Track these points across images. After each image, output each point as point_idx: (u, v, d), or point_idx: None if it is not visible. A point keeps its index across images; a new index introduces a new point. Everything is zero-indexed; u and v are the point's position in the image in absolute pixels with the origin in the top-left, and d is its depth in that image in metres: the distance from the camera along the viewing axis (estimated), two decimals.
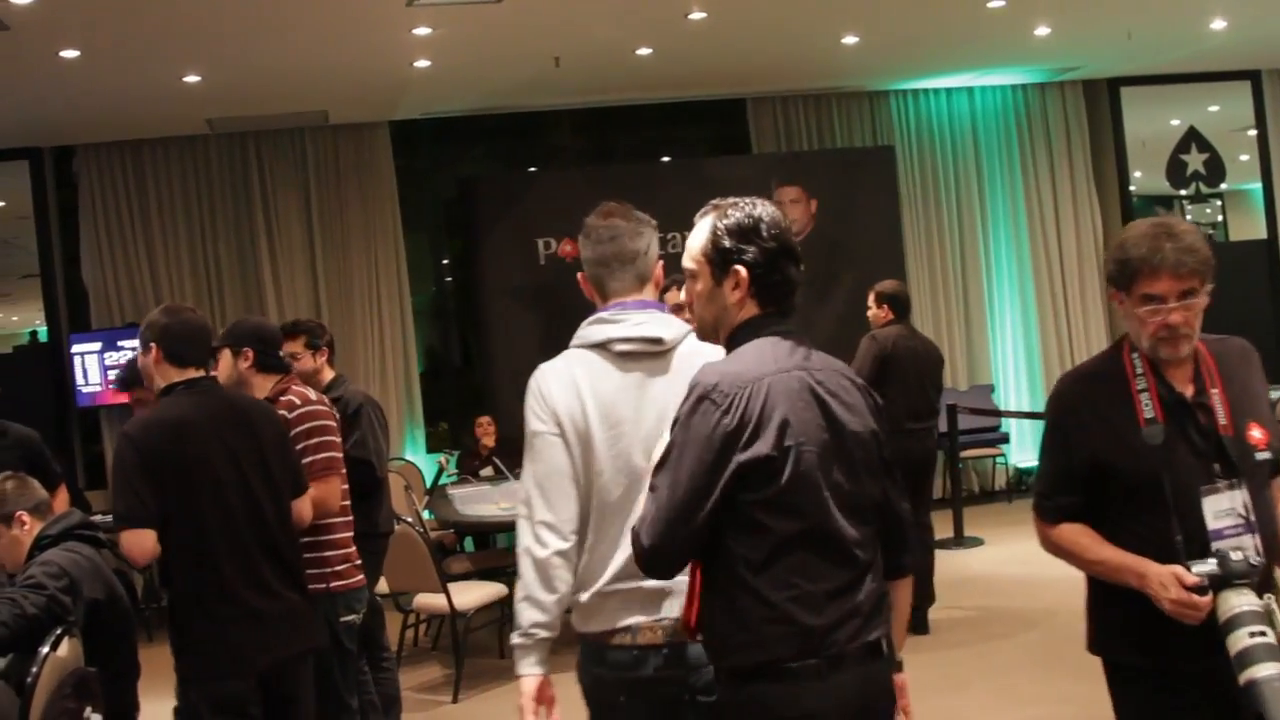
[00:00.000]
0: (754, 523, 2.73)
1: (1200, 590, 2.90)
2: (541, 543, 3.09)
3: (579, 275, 3.40)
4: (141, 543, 4.03)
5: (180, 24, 8.04)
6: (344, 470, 5.15)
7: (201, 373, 4.36)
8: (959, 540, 10.28)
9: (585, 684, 3.20)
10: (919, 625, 7.74)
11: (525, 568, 3.11)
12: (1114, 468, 3.14)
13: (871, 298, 8.09)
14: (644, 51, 9.91)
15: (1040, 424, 12.31)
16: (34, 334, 12.72)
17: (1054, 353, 12.79)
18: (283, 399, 4.99)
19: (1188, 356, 3.14)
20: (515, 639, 3.11)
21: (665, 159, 13.01)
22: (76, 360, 10.74)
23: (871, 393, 2.98)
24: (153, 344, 4.28)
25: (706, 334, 2.98)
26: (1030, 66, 12.08)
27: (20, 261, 11.59)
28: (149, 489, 4.04)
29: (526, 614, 3.09)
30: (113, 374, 10.29)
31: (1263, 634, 2.79)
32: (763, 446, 2.70)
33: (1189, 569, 2.93)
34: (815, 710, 2.71)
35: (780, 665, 2.70)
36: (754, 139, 12.37)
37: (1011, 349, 12.81)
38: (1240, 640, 2.80)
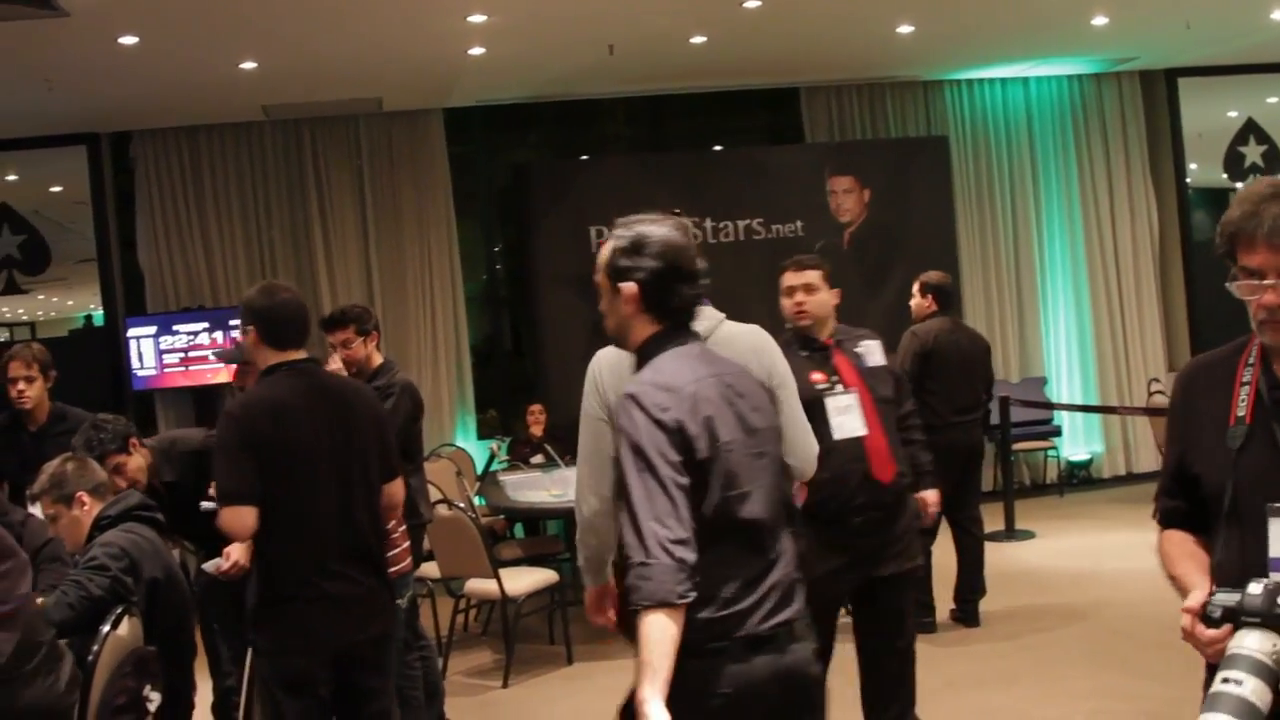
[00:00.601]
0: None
1: (1212, 623, 2.48)
2: (585, 503, 3.67)
3: None
4: (243, 520, 4.10)
5: (238, 11, 8.09)
6: None
7: (302, 354, 4.40)
8: (1010, 533, 10.24)
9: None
10: (969, 617, 7.73)
11: (577, 519, 3.72)
12: (1193, 470, 2.76)
13: (916, 287, 8.05)
14: (698, 40, 9.89)
15: (1092, 418, 12.26)
16: (89, 318, 12.86)
17: (1107, 346, 12.70)
18: None
19: None
20: (580, 562, 3.79)
21: (718, 148, 12.98)
22: (132, 344, 10.83)
23: (770, 389, 3.30)
24: (251, 327, 4.34)
25: (619, 343, 3.21)
26: (1087, 57, 11.98)
27: (76, 246, 11.69)
28: (251, 467, 4.11)
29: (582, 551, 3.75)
30: (212, 354, 10.35)
31: (1239, 683, 2.37)
32: (700, 450, 2.87)
33: (1211, 598, 2.52)
34: (733, 687, 2.86)
35: (694, 648, 2.79)
36: (807, 128, 12.32)
37: (1064, 342, 12.72)
38: (1215, 684, 2.40)
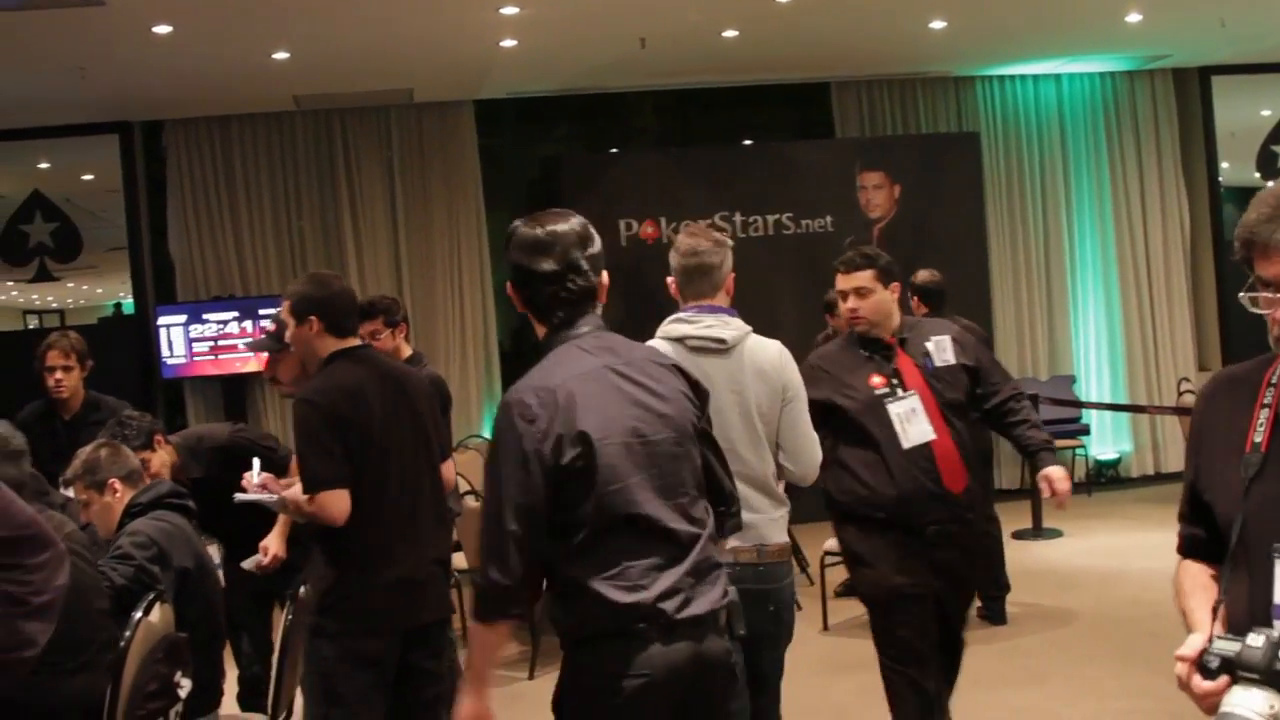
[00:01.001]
0: (568, 517, 2.97)
1: (1208, 673, 2.25)
2: None
3: (668, 279, 4.23)
4: (339, 503, 4.16)
5: (271, 1, 8.13)
6: None
7: (358, 341, 4.50)
8: (1037, 531, 10.20)
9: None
10: (995, 615, 7.70)
11: None
12: (1204, 497, 2.52)
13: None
14: (730, 34, 9.87)
15: (1121, 417, 12.17)
16: (118, 306, 12.91)
17: (1137, 346, 12.64)
18: None
19: None
20: None
21: (747, 142, 12.96)
22: (162, 332, 10.88)
23: (684, 371, 3.24)
24: (313, 316, 4.38)
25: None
26: (1120, 54, 11.92)
27: (107, 234, 11.75)
28: (340, 450, 4.17)
29: None
30: (246, 342, 10.39)
31: None
32: (572, 447, 2.94)
33: (1209, 646, 2.27)
34: (646, 670, 2.93)
35: (611, 630, 2.94)
36: (837, 123, 12.30)
37: (1094, 341, 12.66)
38: None
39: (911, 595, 4.70)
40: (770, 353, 4.19)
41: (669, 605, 2.95)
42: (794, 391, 4.18)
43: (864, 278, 4.82)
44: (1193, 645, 2.29)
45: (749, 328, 4.18)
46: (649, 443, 3.04)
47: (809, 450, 4.23)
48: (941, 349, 4.83)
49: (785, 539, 4.22)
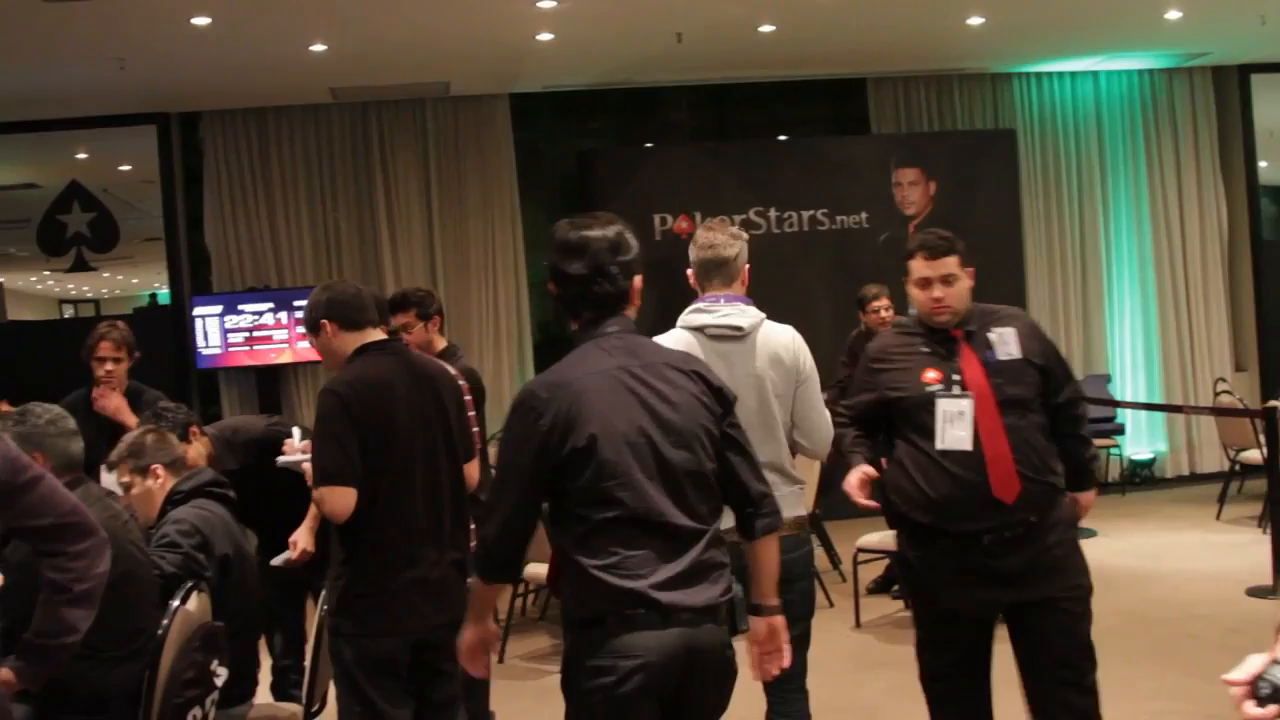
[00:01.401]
0: (573, 507, 3.19)
1: (1261, 700, 2.06)
2: None
3: (687, 271, 4.52)
4: (345, 500, 4.12)
5: None
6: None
7: (380, 333, 4.45)
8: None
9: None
10: None
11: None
12: None
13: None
14: (767, 28, 9.85)
15: (1156, 416, 12.09)
16: (153, 296, 12.97)
17: (1173, 345, 12.57)
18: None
19: None
20: None
21: (782, 138, 12.93)
22: (197, 323, 10.93)
23: (705, 377, 3.38)
24: (324, 321, 4.37)
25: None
26: (1158, 51, 11.85)
27: (142, 225, 11.81)
28: (356, 447, 4.13)
29: None
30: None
31: None
32: (576, 441, 3.15)
33: (1266, 670, 2.08)
34: (640, 654, 3.09)
35: (608, 613, 3.12)
36: (873, 119, 12.26)
37: (1129, 340, 12.60)
38: None
39: (960, 614, 4.36)
40: (784, 338, 4.42)
41: (664, 595, 3.12)
42: (807, 373, 4.41)
43: (951, 263, 4.39)
44: (1248, 668, 2.12)
45: (763, 315, 4.40)
46: (653, 443, 3.20)
47: (822, 428, 4.46)
48: (1005, 341, 4.38)
49: (800, 512, 4.43)
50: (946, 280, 4.36)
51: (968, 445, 4.22)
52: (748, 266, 4.46)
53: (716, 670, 3.24)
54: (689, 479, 3.24)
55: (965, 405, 4.25)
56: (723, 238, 4.44)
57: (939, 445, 4.25)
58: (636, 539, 3.14)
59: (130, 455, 4.79)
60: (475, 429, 5.18)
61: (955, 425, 4.25)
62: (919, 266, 4.39)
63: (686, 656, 3.13)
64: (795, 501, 4.38)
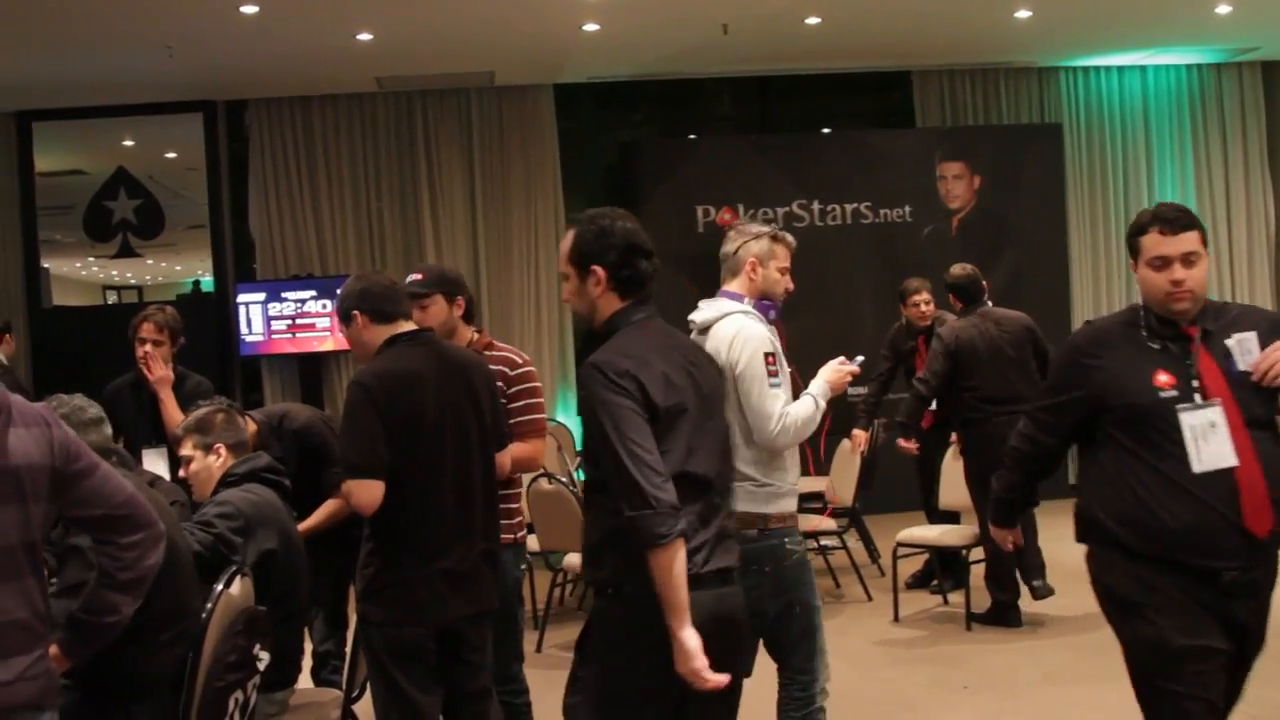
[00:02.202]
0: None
1: None
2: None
3: None
4: (372, 493, 4.12)
5: None
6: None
7: (412, 324, 4.45)
8: None
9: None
10: (1041, 590, 7.68)
11: None
12: None
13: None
14: (813, 20, 9.83)
15: None
16: (196, 283, 13.04)
17: None
18: (497, 354, 5.00)
19: None
20: None
21: (826, 130, 12.90)
22: (241, 310, 11.00)
23: (713, 361, 3.74)
24: (355, 312, 4.38)
25: (586, 323, 3.59)
26: (1207, 46, 11.75)
27: (187, 212, 11.87)
28: (383, 439, 4.13)
29: None
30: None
31: None
32: (659, 403, 3.28)
33: None
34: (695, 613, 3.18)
35: (636, 583, 3.20)
36: (918, 112, 12.22)
37: None
38: None
39: (1198, 658, 3.58)
40: (724, 333, 4.38)
41: (698, 558, 3.26)
42: (740, 369, 4.29)
43: (1193, 239, 3.65)
44: None
45: (730, 310, 4.43)
46: (699, 412, 3.38)
47: (760, 426, 4.27)
48: (1245, 349, 3.65)
49: (750, 509, 4.27)
50: (1188, 260, 3.62)
51: (1233, 460, 3.54)
52: (751, 260, 4.52)
53: (742, 630, 3.46)
54: (721, 449, 3.50)
55: (1216, 415, 3.57)
56: (731, 234, 4.63)
57: (1197, 467, 3.54)
58: (690, 504, 3.26)
59: (197, 430, 4.80)
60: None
61: (1210, 440, 3.55)
62: (1154, 243, 3.66)
63: (714, 621, 3.25)
64: (745, 498, 4.17)
